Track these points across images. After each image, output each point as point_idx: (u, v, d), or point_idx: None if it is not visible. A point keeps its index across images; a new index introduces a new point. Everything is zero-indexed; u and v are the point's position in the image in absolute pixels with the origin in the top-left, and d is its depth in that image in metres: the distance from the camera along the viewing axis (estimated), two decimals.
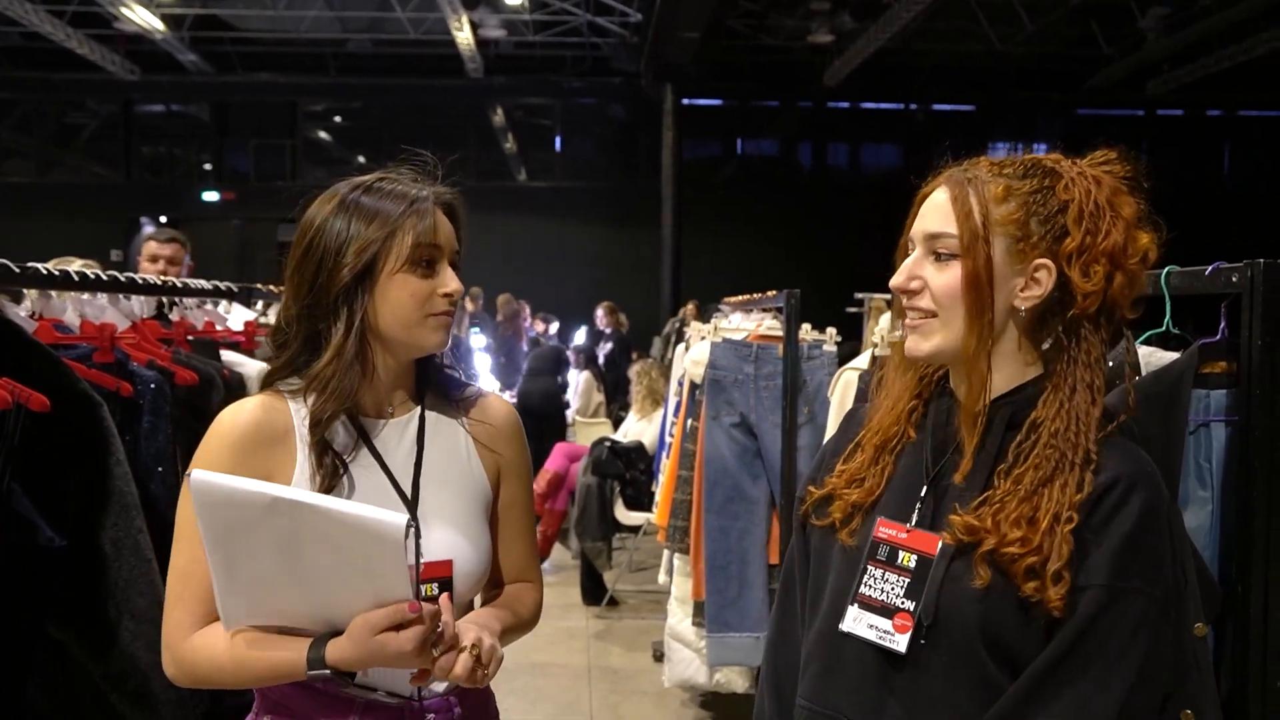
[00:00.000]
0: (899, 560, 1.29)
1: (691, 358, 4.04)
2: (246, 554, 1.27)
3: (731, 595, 3.57)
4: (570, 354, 9.92)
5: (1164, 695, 1.26)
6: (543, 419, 8.32)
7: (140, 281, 2.44)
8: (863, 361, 2.97)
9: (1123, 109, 17.01)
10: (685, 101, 14.82)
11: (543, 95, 16.91)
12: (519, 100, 17.11)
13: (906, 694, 1.26)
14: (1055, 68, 15.64)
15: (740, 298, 4.44)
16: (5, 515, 1.60)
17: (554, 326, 12.00)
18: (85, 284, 2.15)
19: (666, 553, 4.31)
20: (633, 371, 6.98)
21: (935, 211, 1.30)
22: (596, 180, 17.06)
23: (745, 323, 4.18)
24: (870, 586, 1.30)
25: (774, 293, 3.57)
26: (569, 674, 4.85)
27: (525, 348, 10.50)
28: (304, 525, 1.24)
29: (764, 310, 3.99)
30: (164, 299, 2.63)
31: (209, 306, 2.96)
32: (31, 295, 2.12)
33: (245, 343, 2.82)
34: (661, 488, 4.52)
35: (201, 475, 1.27)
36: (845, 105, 17.20)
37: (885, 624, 1.27)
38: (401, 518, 1.22)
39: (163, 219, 15.53)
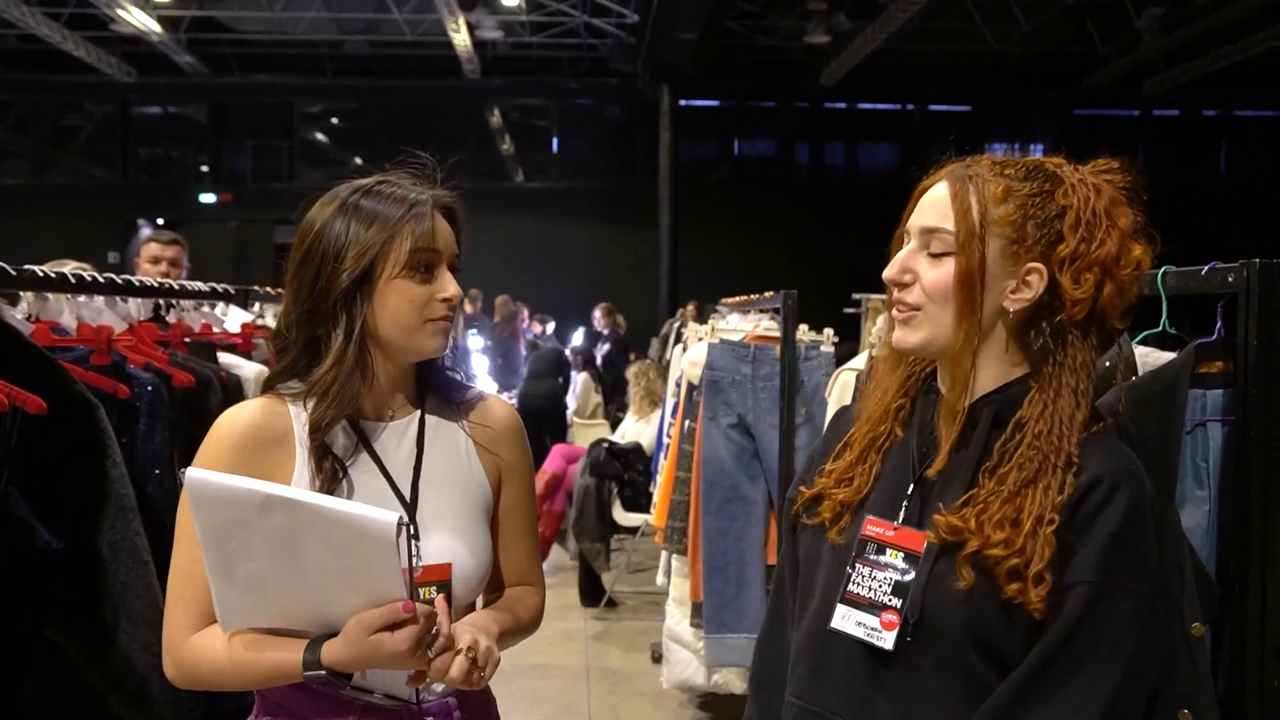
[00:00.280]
0: (886, 558, 1.30)
1: (689, 359, 4.04)
2: (242, 554, 1.27)
3: (729, 596, 3.57)
4: (568, 355, 9.93)
5: (1154, 692, 1.27)
6: (545, 421, 8.32)
7: (137, 284, 2.43)
8: (860, 362, 2.97)
9: (1119, 109, 17.03)
10: (682, 102, 14.81)
11: (539, 96, 16.92)
12: (516, 101, 17.11)
13: (895, 691, 1.26)
14: (1052, 67, 15.66)
15: (737, 298, 4.44)
16: (2, 518, 1.60)
17: (550, 326, 12.00)
18: (82, 286, 2.15)
19: (664, 554, 4.30)
20: (630, 372, 6.98)
21: (934, 206, 1.30)
22: (593, 181, 17.06)
23: (742, 323, 4.18)
24: (858, 584, 1.30)
25: (771, 293, 3.57)
26: (567, 675, 4.85)
27: (523, 350, 10.50)
28: (299, 524, 1.24)
29: (761, 311, 3.99)
30: (161, 301, 2.62)
31: (206, 308, 2.95)
32: (28, 298, 2.12)
33: (242, 345, 2.82)
34: (659, 489, 4.52)
35: (197, 473, 1.27)
36: (842, 106, 17.21)
37: (873, 621, 1.28)
38: (394, 516, 1.22)
39: (160, 221, 15.51)
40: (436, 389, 1.55)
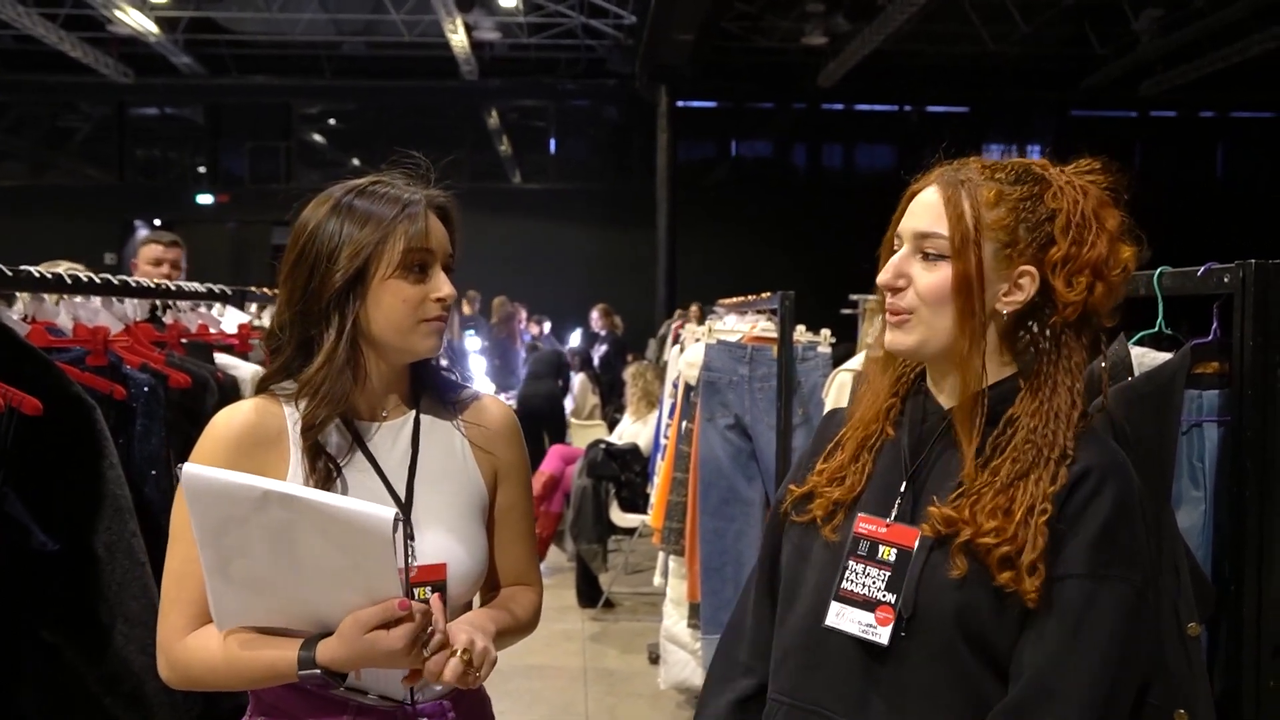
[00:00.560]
0: (879, 555, 1.31)
1: (686, 359, 4.05)
2: (239, 550, 1.27)
3: (726, 597, 3.56)
4: (566, 356, 9.93)
5: (1143, 684, 1.29)
6: (544, 421, 8.32)
7: (133, 284, 2.43)
8: (857, 363, 2.97)
9: (1116, 110, 17.04)
10: (680, 103, 14.81)
11: (537, 97, 16.91)
12: (513, 102, 17.11)
13: (889, 687, 1.27)
14: (1049, 69, 15.67)
15: (735, 299, 4.44)
16: None
17: (546, 326, 12.00)
18: (79, 287, 2.15)
19: (662, 555, 4.30)
20: (628, 373, 6.98)
21: (926, 210, 1.31)
22: (591, 182, 17.06)
23: (740, 324, 4.18)
24: (852, 582, 1.31)
25: (768, 294, 3.57)
26: (564, 676, 4.84)
27: (522, 351, 10.50)
28: (295, 519, 1.24)
29: (758, 312, 4.00)
30: (158, 302, 2.62)
31: (203, 309, 2.95)
32: (24, 298, 2.12)
33: (239, 346, 2.82)
34: (657, 490, 4.52)
35: (193, 468, 1.27)
36: (840, 107, 17.21)
37: (868, 618, 1.29)
38: (390, 511, 1.22)
39: (157, 221, 15.51)
40: (431, 389, 1.55)
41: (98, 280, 2.26)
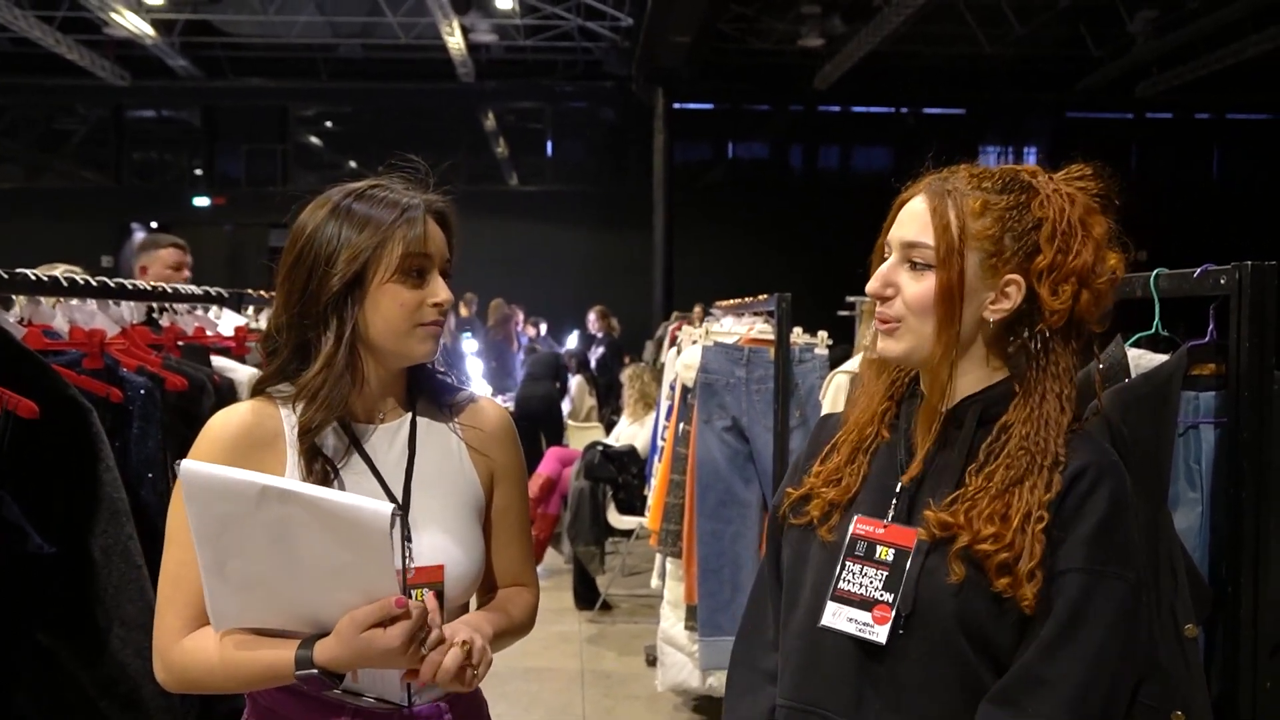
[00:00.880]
0: (876, 555, 1.31)
1: (683, 361, 4.05)
2: (236, 548, 1.27)
3: (724, 599, 3.57)
4: (563, 358, 9.93)
5: (1137, 680, 1.29)
6: (542, 423, 8.32)
7: (130, 287, 2.43)
8: (854, 365, 2.97)
9: (1112, 111, 17.04)
10: (676, 105, 14.82)
11: (534, 99, 16.91)
12: (510, 104, 17.11)
13: (886, 685, 1.28)
14: (1045, 70, 15.68)
15: (732, 301, 4.45)
16: None
17: (543, 328, 12.00)
18: (75, 290, 2.14)
19: (659, 557, 4.30)
20: (625, 375, 6.98)
21: (913, 220, 1.32)
22: (588, 184, 17.06)
23: (737, 326, 4.18)
24: (848, 582, 1.32)
25: (765, 296, 3.58)
26: (562, 678, 4.84)
27: (520, 354, 10.49)
28: (293, 515, 1.24)
29: (755, 314, 4.00)
30: (154, 305, 2.62)
31: (199, 312, 2.95)
32: (21, 301, 2.11)
33: (236, 348, 2.82)
34: (654, 492, 4.52)
35: (191, 465, 1.27)
36: (836, 109, 17.23)
37: (865, 617, 1.29)
38: (387, 506, 1.23)
39: (154, 224, 15.49)
40: (428, 392, 1.55)
41: (94, 283, 2.26)
